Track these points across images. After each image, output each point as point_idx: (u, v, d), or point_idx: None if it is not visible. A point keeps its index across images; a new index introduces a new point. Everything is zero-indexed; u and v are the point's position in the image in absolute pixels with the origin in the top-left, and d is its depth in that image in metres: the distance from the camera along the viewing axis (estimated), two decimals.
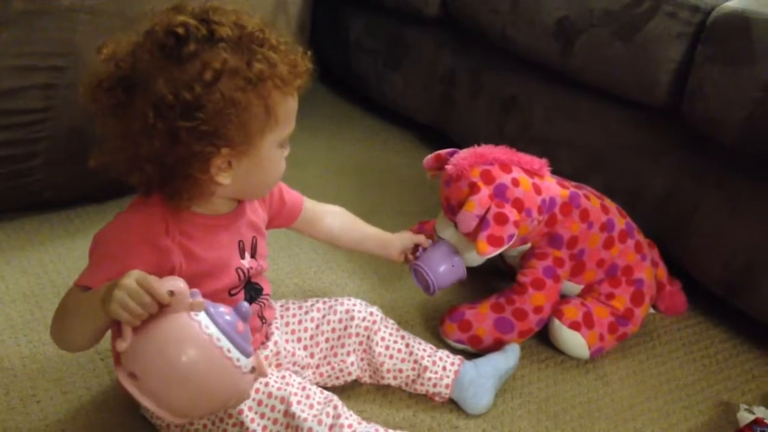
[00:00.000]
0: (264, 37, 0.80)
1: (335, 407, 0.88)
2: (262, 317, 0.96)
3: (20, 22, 1.13)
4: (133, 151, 0.77)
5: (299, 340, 1.02)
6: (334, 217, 1.11)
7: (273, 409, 0.87)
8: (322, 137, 1.86)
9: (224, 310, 0.75)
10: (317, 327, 1.03)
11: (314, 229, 1.10)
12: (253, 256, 0.92)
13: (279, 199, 1.01)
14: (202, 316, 0.73)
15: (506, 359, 1.08)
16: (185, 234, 0.83)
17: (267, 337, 0.99)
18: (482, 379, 1.03)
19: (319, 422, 0.86)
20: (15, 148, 1.22)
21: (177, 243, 0.82)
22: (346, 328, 1.03)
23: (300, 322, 1.03)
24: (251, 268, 0.91)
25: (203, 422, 0.88)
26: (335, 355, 1.02)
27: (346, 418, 0.88)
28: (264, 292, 0.95)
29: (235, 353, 0.73)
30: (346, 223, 1.13)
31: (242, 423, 0.87)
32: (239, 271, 0.89)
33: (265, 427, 0.87)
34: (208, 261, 0.85)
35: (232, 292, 0.89)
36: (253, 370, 0.76)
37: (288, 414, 0.87)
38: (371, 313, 1.04)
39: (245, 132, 0.78)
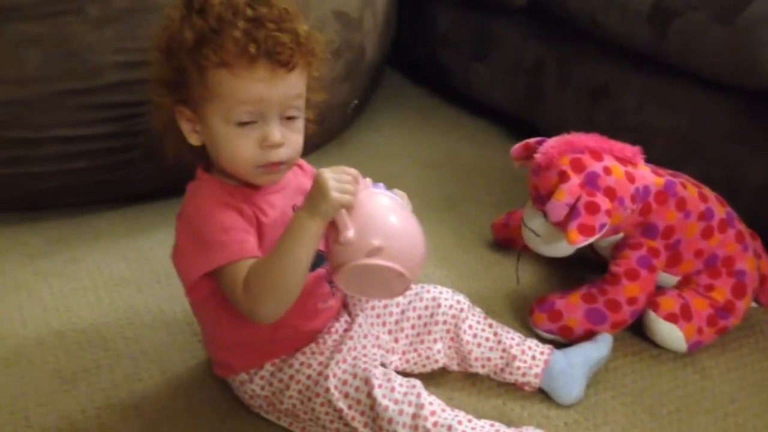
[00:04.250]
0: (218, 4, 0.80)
1: (418, 395, 0.87)
2: (331, 282, 0.95)
3: (122, 19, 1.18)
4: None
5: (384, 323, 1.02)
6: None
7: (357, 389, 0.88)
8: (408, 129, 1.86)
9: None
10: (402, 312, 1.03)
11: None
12: None
13: None
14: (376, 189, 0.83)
15: (597, 349, 1.05)
16: (244, 195, 0.86)
17: (351, 317, 0.99)
18: (573, 368, 1.01)
19: (400, 412, 0.85)
20: (115, 141, 1.27)
21: (242, 204, 0.85)
22: (432, 315, 1.03)
23: (385, 306, 1.02)
24: None
25: (293, 402, 0.90)
26: (422, 342, 1.02)
27: (430, 404, 0.87)
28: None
29: None
30: None
31: (330, 401, 0.88)
32: None
33: (350, 406, 0.88)
34: (268, 223, 0.87)
35: None
36: None
37: (371, 396, 0.87)
38: (458, 301, 1.04)
39: (192, 97, 0.82)
